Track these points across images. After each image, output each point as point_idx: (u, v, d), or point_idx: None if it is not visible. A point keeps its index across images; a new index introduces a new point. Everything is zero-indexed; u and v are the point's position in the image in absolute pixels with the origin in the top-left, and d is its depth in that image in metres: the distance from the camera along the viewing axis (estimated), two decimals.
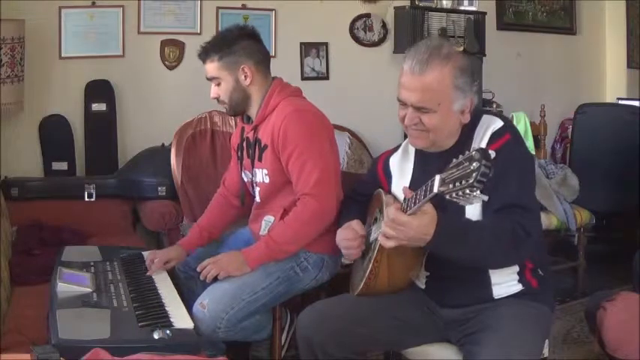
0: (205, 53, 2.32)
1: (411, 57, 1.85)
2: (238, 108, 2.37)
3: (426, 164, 1.95)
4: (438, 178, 1.53)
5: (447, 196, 1.48)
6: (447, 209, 1.75)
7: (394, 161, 2.11)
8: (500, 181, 1.74)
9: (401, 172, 2.06)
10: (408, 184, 2.00)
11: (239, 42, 2.31)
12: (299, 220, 2.23)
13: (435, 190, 1.53)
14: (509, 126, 1.88)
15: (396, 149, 2.14)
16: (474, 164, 1.41)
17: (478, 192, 1.44)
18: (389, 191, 2.08)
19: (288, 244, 2.24)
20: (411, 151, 2.05)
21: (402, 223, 1.68)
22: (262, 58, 2.36)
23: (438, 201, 1.63)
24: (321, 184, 2.21)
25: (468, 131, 1.89)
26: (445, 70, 1.81)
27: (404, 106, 1.88)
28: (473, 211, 1.82)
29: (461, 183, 1.44)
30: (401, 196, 2.00)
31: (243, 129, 2.46)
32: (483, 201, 1.71)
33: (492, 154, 1.47)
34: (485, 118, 1.90)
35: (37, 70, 3.44)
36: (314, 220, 2.24)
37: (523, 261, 1.88)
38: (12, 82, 3.20)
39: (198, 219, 2.56)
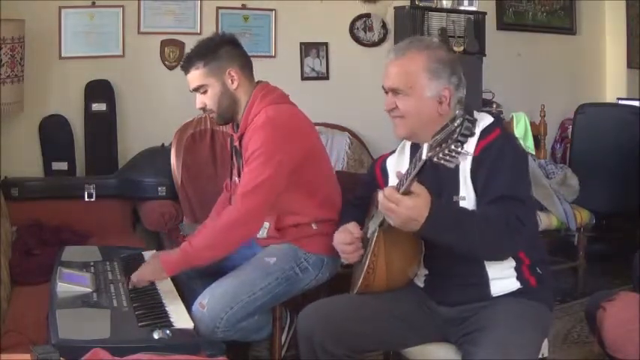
0: (189, 62, 2.29)
1: (393, 48, 2.00)
2: (227, 114, 2.34)
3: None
4: (425, 145, 1.55)
5: (435, 159, 1.50)
6: (442, 196, 1.80)
7: (391, 161, 2.13)
8: (492, 173, 1.79)
9: (397, 170, 2.06)
10: None
11: (222, 47, 2.30)
12: (220, 226, 2.19)
13: (424, 156, 1.54)
14: (499, 122, 1.92)
15: (393, 151, 2.16)
16: (457, 121, 1.45)
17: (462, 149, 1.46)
18: None
19: (205, 250, 2.18)
20: (407, 150, 2.07)
21: (395, 200, 1.66)
22: (246, 63, 2.35)
23: (431, 186, 1.68)
24: (256, 192, 2.17)
25: None
26: (420, 56, 1.90)
27: (386, 95, 1.95)
28: (467, 204, 1.84)
29: (447, 142, 1.47)
30: None
31: (231, 137, 2.45)
32: (477, 194, 1.80)
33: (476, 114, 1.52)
34: (475, 114, 1.91)
35: (37, 70, 3.45)
36: (235, 228, 2.18)
37: (517, 252, 1.88)
38: (12, 82, 3.20)
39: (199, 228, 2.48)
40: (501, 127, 1.91)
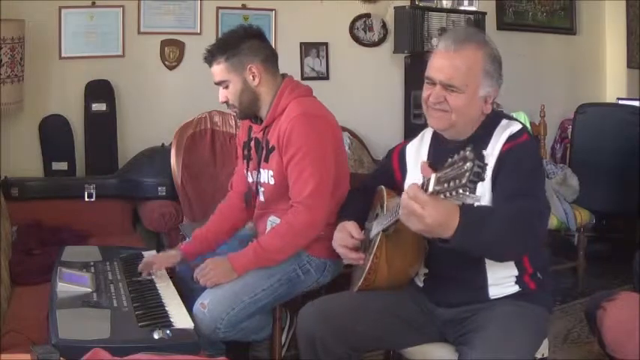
0: (211, 55, 2.27)
1: (447, 37, 1.91)
2: (249, 110, 2.32)
3: (439, 154, 1.90)
4: (433, 176, 1.50)
5: (442, 196, 1.47)
6: None
7: (411, 149, 2.10)
8: (514, 173, 1.77)
9: (415, 161, 2.04)
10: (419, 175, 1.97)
11: (244, 42, 2.26)
12: (289, 230, 2.21)
13: (431, 189, 1.50)
14: (526, 130, 1.91)
15: (413, 139, 2.13)
16: (468, 164, 1.39)
17: (471, 193, 1.42)
18: (401, 181, 2.07)
19: (276, 253, 2.22)
20: (426, 140, 2.05)
21: (423, 201, 1.52)
22: (269, 57, 2.32)
23: None
24: (315, 194, 2.18)
25: (488, 128, 1.90)
26: (479, 53, 1.85)
27: (431, 86, 1.88)
28: (483, 200, 1.79)
29: (455, 183, 1.43)
30: None
31: (250, 128, 2.42)
32: (494, 190, 1.77)
33: (485, 154, 1.48)
34: (505, 121, 1.92)
35: (37, 70, 3.45)
36: (304, 232, 2.22)
37: (536, 247, 1.85)
38: (12, 82, 3.20)
39: (204, 225, 2.47)
40: (529, 134, 1.90)
